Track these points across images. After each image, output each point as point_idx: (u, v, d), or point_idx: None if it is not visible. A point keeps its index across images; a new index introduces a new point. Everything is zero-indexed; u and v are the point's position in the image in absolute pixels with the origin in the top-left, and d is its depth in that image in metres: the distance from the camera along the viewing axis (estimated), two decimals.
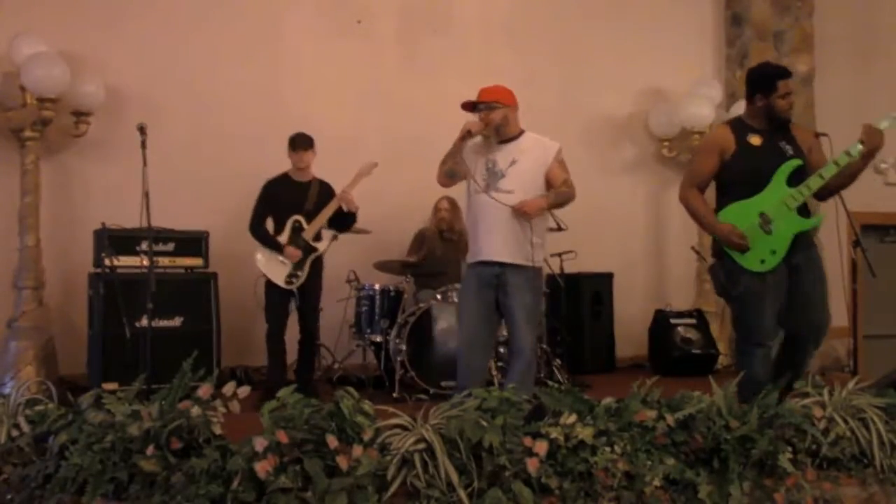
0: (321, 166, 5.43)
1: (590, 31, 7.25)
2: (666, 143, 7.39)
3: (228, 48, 6.25)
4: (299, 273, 5.24)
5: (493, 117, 4.17)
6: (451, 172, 4.27)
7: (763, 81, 3.99)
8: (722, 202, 4.02)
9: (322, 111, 6.34)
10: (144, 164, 4.29)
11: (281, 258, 5.26)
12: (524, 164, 4.16)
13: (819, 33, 7.41)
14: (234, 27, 6.31)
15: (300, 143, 5.33)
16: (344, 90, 6.51)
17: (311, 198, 5.32)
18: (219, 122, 6.14)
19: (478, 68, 6.81)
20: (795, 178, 3.91)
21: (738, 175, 3.93)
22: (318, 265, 5.34)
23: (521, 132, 4.27)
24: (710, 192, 4.15)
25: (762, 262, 3.87)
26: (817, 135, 4.11)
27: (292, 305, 5.34)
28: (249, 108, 6.20)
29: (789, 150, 3.95)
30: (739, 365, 3.99)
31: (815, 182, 3.87)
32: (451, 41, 6.86)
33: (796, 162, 3.91)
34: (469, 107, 4.25)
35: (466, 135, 4.14)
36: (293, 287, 5.24)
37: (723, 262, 4.00)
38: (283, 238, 5.29)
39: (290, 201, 5.33)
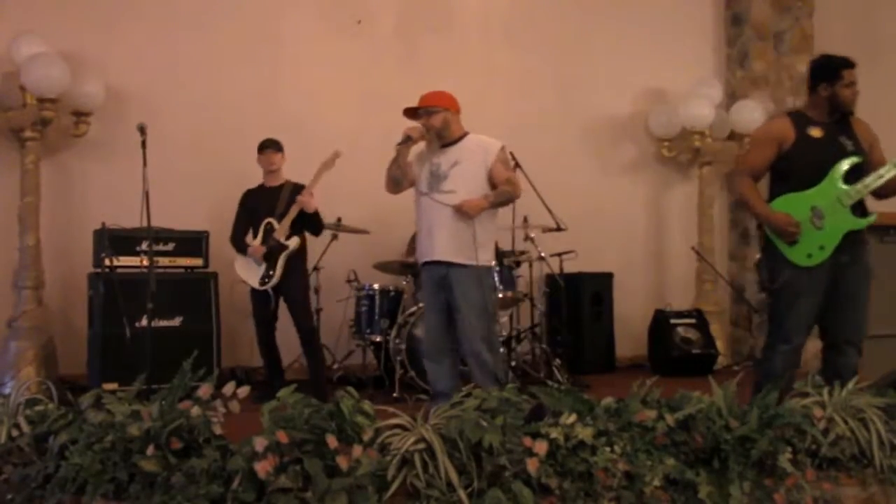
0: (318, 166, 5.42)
1: (590, 30, 7.26)
2: (666, 143, 7.39)
3: (228, 48, 6.26)
4: (271, 273, 5.25)
5: (432, 122, 4.26)
6: (396, 179, 4.34)
7: (827, 70, 3.94)
8: (775, 192, 3.98)
9: (322, 111, 6.35)
10: (144, 164, 4.29)
11: (253, 262, 5.30)
12: (466, 165, 4.23)
13: (819, 33, 7.41)
14: (233, 27, 6.31)
15: (265, 145, 5.38)
16: (344, 90, 6.52)
17: (283, 200, 5.32)
18: (219, 121, 6.14)
19: (478, 68, 6.83)
20: (853, 175, 3.85)
21: (795, 167, 3.88)
22: (295, 263, 5.31)
23: (465, 134, 4.36)
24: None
25: (809, 256, 3.83)
26: None
27: (280, 307, 5.36)
28: (249, 107, 6.21)
29: (849, 144, 3.90)
30: (762, 358, 4.00)
31: (873, 181, 3.83)
32: (450, 41, 6.87)
33: (856, 158, 3.86)
34: (410, 113, 4.33)
35: (407, 140, 4.22)
36: (267, 287, 5.26)
37: (767, 256, 3.96)
38: (257, 241, 5.32)
39: (263, 207, 5.36)
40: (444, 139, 4.30)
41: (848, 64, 3.95)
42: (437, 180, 4.24)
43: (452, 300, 4.20)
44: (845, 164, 3.85)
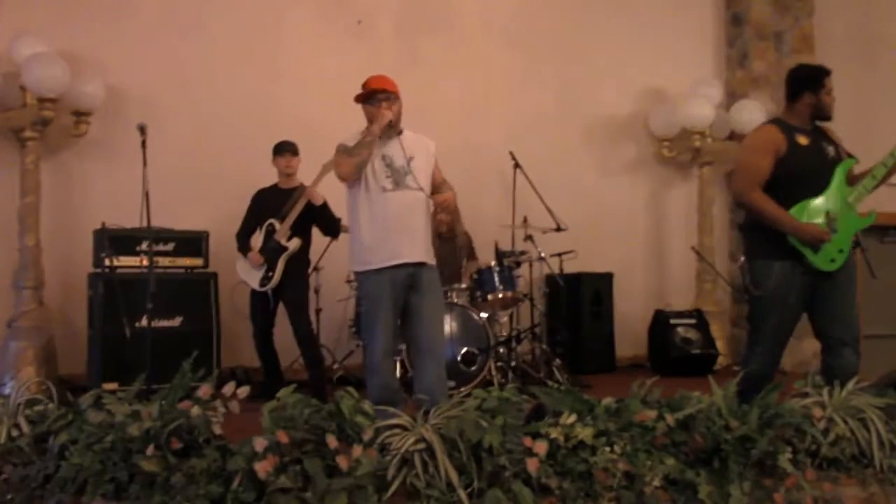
0: (319, 167, 5.42)
1: (590, 30, 7.26)
2: (666, 143, 7.39)
3: (228, 48, 6.26)
4: (270, 274, 5.25)
5: (395, 108, 3.95)
6: (363, 165, 3.88)
7: (811, 79, 4.03)
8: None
9: (322, 111, 6.33)
10: (144, 164, 4.30)
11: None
12: (420, 161, 3.96)
13: (819, 33, 7.41)
14: (234, 27, 6.31)
15: (284, 148, 5.37)
16: (343, 90, 6.47)
17: (292, 202, 5.32)
18: (219, 121, 6.14)
19: (478, 68, 6.83)
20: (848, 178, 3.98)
21: (788, 175, 3.91)
22: (295, 264, 5.32)
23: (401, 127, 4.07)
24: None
25: (832, 261, 3.89)
26: None
27: (279, 308, 5.37)
28: (249, 107, 6.21)
29: (831, 150, 3.99)
30: (743, 362, 4.03)
31: (869, 182, 3.93)
32: (451, 41, 6.87)
33: (852, 161, 3.98)
34: (365, 97, 3.98)
35: (388, 124, 3.87)
36: (267, 289, 5.26)
37: (753, 262, 4.01)
38: (259, 243, 5.33)
39: (273, 208, 5.36)
40: (397, 129, 3.98)
41: (828, 72, 4.06)
42: (400, 175, 3.89)
43: (419, 300, 3.90)
44: (845, 167, 3.94)
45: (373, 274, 3.90)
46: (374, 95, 3.97)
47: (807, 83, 4.02)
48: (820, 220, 3.89)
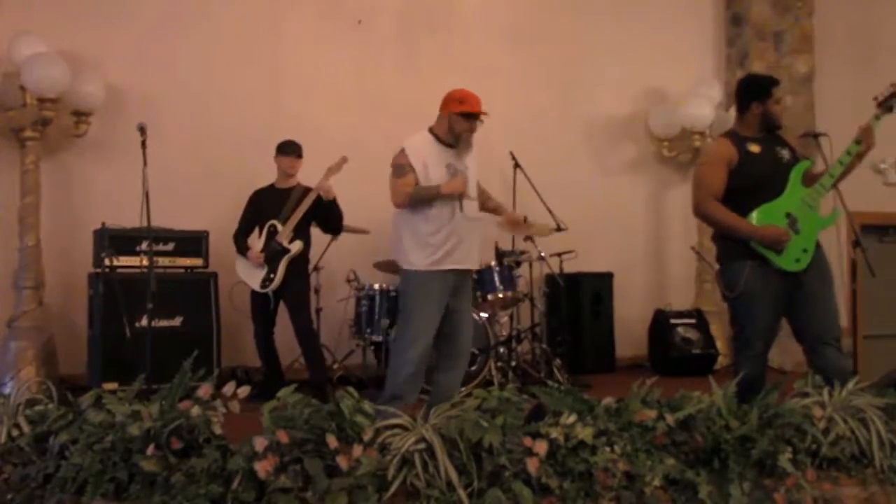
0: (320, 167, 5.43)
1: (590, 30, 7.26)
2: (666, 143, 7.39)
3: (228, 48, 6.26)
4: (272, 276, 5.26)
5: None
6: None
7: (759, 89, 4.10)
8: (732, 210, 4.06)
9: (322, 111, 6.35)
10: (144, 164, 4.30)
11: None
12: (474, 169, 4.17)
13: (819, 33, 7.42)
14: (234, 27, 6.31)
15: (291, 150, 5.37)
16: (344, 90, 6.52)
17: (291, 202, 5.33)
18: (219, 121, 6.15)
19: (478, 68, 6.81)
20: (806, 179, 4.03)
21: (743, 184, 3.98)
22: (297, 265, 5.33)
23: None
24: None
25: (797, 261, 3.94)
26: (816, 135, 4.15)
27: (279, 307, 5.38)
28: (249, 107, 6.21)
29: (785, 153, 4.07)
30: (735, 368, 4.05)
31: (827, 181, 3.98)
32: (451, 41, 6.87)
33: (807, 163, 4.04)
34: (465, 114, 4.07)
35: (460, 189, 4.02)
36: (268, 290, 5.27)
37: (725, 266, 4.06)
38: (258, 245, 5.32)
39: (272, 208, 5.37)
40: (469, 145, 4.19)
41: (776, 82, 4.15)
42: (468, 187, 4.10)
43: (459, 301, 4.13)
44: (801, 169, 4.01)
45: (434, 274, 4.03)
46: (476, 116, 4.06)
47: (754, 94, 4.10)
48: (781, 221, 3.93)
